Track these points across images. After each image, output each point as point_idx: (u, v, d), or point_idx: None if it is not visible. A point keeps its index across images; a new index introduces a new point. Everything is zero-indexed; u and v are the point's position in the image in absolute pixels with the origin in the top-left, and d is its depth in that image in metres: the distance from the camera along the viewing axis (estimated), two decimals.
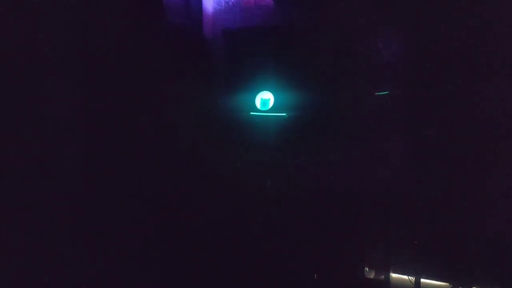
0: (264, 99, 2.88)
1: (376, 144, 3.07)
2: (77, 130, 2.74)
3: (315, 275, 3.04)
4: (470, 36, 2.73)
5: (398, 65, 2.92)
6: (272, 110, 2.93)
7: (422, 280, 3.14)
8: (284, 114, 2.90)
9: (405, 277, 3.19)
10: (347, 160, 2.93)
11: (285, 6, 3.27)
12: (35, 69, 2.52)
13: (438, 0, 2.78)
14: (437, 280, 3.13)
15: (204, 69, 3.08)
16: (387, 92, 2.96)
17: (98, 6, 2.71)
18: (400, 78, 2.96)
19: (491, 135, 2.81)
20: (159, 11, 3.08)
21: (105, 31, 2.75)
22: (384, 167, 3.06)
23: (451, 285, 3.08)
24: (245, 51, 3.15)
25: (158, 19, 3.07)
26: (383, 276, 3.22)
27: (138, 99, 2.89)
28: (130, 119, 2.87)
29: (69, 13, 2.63)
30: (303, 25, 3.04)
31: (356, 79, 2.89)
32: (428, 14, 2.79)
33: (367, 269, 3.23)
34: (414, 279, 3.15)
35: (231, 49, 3.21)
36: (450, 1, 2.76)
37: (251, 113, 2.96)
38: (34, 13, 2.49)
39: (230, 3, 3.43)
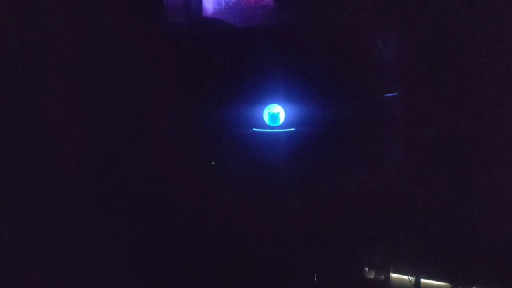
0: (273, 113, 2.35)
1: (376, 145, 3.07)
2: (77, 131, 2.74)
3: (315, 276, 3.04)
4: (470, 36, 2.74)
5: (403, 65, 2.91)
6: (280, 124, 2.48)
7: (422, 280, 3.14)
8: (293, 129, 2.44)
9: (405, 277, 3.19)
10: (347, 161, 2.93)
11: (285, 6, 3.27)
12: (34, 69, 2.52)
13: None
14: (437, 280, 3.13)
15: (204, 70, 3.06)
16: (396, 93, 2.88)
17: (97, 6, 2.71)
18: (406, 79, 2.95)
19: (491, 135, 2.81)
20: (159, 11, 3.08)
21: (105, 31, 2.75)
22: (384, 167, 3.06)
23: (451, 285, 3.08)
24: (244, 52, 3.13)
25: (158, 19, 3.06)
26: (383, 276, 3.22)
27: (136, 100, 2.88)
28: (128, 120, 2.86)
29: (69, 12, 2.63)
30: (304, 25, 3.03)
31: (362, 82, 2.87)
32: (431, 13, 2.79)
33: (367, 269, 3.23)
34: (414, 279, 3.15)
35: (230, 49, 3.20)
36: (451, 1, 2.77)
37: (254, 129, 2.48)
38: (34, 13, 2.48)
39: (230, 3, 3.43)
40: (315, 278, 3.04)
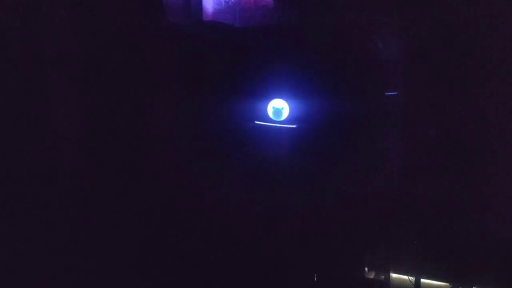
0: (277, 108, 2.29)
1: (375, 145, 3.07)
2: (77, 131, 2.74)
3: (315, 276, 3.04)
4: (471, 36, 2.74)
5: (403, 65, 2.91)
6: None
7: (422, 280, 3.14)
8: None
9: (405, 277, 3.20)
10: (347, 161, 2.93)
11: (285, 6, 3.27)
12: (35, 69, 2.52)
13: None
14: (437, 280, 3.13)
15: (204, 70, 3.06)
16: (396, 92, 2.90)
17: (97, 6, 2.71)
18: (405, 78, 2.95)
19: (491, 136, 2.81)
20: (159, 11, 3.08)
21: (105, 31, 2.75)
22: (384, 167, 3.06)
23: (451, 285, 3.09)
24: (244, 52, 3.13)
25: (158, 19, 3.07)
26: (383, 276, 3.22)
27: (136, 100, 2.88)
28: (129, 120, 2.86)
29: (69, 12, 2.63)
30: (303, 25, 3.03)
31: (361, 81, 2.86)
32: (430, 13, 2.79)
33: (367, 269, 3.23)
34: (414, 279, 3.15)
35: (230, 49, 3.20)
36: (451, 1, 2.77)
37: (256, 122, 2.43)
38: (34, 13, 2.49)
39: (230, 3, 3.43)
40: (315, 278, 3.04)
